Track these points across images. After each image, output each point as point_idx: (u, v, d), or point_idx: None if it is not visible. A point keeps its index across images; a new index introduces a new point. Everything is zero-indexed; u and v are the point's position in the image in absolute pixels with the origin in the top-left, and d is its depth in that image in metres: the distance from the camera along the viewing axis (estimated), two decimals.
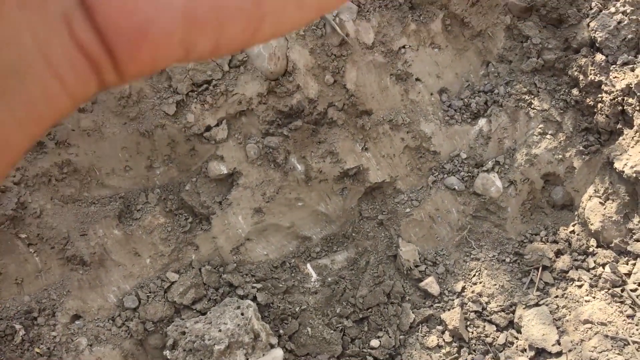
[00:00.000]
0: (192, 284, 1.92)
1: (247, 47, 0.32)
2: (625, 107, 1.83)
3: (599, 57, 1.87)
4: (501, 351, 1.85)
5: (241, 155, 1.97)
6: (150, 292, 1.89)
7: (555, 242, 1.97)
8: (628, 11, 1.82)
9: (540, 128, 2.01)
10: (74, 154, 1.86)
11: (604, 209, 1.88)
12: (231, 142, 1.96)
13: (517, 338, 1.86)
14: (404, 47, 2.04)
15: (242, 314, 1.78)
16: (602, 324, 1.76)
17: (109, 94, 1.87)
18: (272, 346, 1.83)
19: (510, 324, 1.89)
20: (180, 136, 1.92)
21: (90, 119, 1.85)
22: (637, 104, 1.78)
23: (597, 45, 1.88)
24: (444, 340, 1.89)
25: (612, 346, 1.72)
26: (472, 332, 1.89)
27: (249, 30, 0.31)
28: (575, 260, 1.91)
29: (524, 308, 1.86)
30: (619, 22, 1.84)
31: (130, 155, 1.93)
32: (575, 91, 1.97)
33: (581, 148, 1.98)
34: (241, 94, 1.92)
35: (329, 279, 2.04)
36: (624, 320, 1.76)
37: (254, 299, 1.94)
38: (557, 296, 1.87)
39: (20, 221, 1.79)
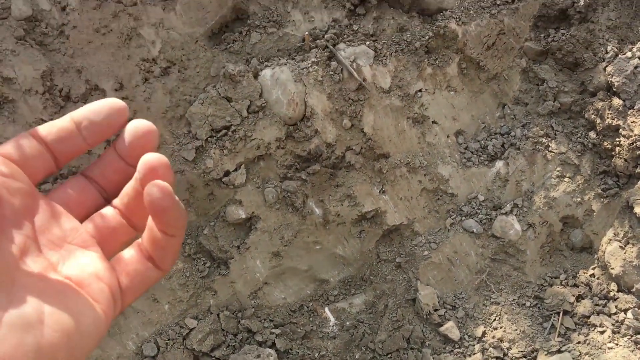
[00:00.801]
0: (210, 330, 1.91)
1: None
2: None
3: (616, 101, 1.87)
4: None
5: (259, 199, 1.97)
6: (169, 339, 1.88)
7: (576, 285, 1.96)
8: None
9: (558, 171, 2.01)
10: None
11: (624, 253, 1.87)
12: (249, 187, 1.97)
13: None
14: (420, 90, 2.05)
15: None
16: None
17: None
18: None
19: None
20: (199, 181, 1.93)
21: None
22: None
23: (614, 89, 1.89)
24: None
25: None
26: None
27: None
28: (597, 305, 1.90)
29: (546, 354, 1.84)
30: (636, 67, 1.85)
31: None
32: (592, 134, 1.97)
33: (599, 191, 1.98)
34: (260, 139, 1.92)
35: (348, 323, 2.03)
36: None
37: (273, 344, 1.93)
38: (579, 342, 1.85)
39: None
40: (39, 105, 1.76)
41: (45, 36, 1.78)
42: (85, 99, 1.81)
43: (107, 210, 0.48)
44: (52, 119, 1.77)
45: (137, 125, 0.47)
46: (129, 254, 0.46)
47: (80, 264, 0.43)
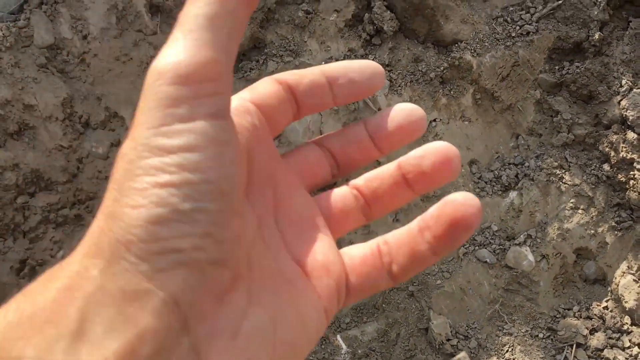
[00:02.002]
0: None
1: None
2: None
3: (631, 135, 1.88)
4: None
5: None
6: None
7: (589, 318, 1.96)
8: None
9: (571, 202, 2.02)
10: None
11: (638, 286, 1.87)
12: None
13: None
14: (434, 120, 2.06)
15: None
16: None
17: None
18: None
19: None
20: None
21: None
22: None
23: (629, 123, 1.90)
24: None
25: None
26: None
27: None
28: (610, 338, 1.89)
29: None
30: None
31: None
32: (606, 167, 1.98)
33: (613, 224, 1.98)
34: None
35: (359, 351, 2.03)
36: None
37: None
38: None
39: None
40: (59, 132, 1.78)
41: (66, 64, 1.81)
42: (104, 126, 1.84)
43: (342, 190, 0.43)
44: (71, 146, 1.80)
45: (410, 109, 0.43)
46: (361, 252, 0.40)
47: (313, 249, 0.39)
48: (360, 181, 0.44)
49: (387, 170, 0.43)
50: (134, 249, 0.28)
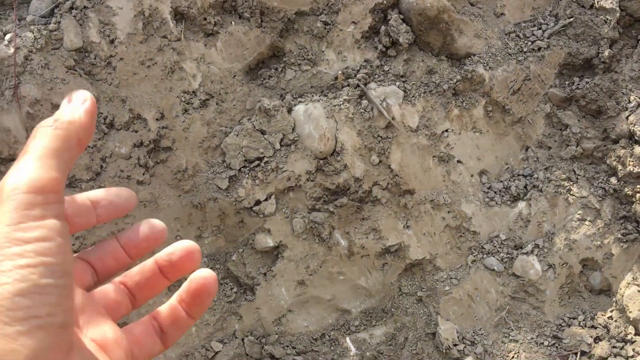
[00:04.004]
0: (235, 354, 1.96)
1: None
2: None
3: (638, 149, 1.94)
4: None
5: (287, 229, 2.04)
6: None
7: (594, 327, 2.00)
8: None
9: (579, 214, 2.07)
10: (130, 223, 1.93)
11: None
12: (278, 216, 2.04)
13: None
14: (446, 130, 2.12)
15: None
16: None
17: (167, 167, 1.97)
18: None
19: None
20: (231, 209, 2.00)
21: (147, 191, 1.94)
22: None
23: (636, 138, 1.96)
24: None
25: None
26: None
27: None
28: (614, 347, 1.93)
29: None
30: None
31: (182, 225, 2.01)
32: (613, 180, 2.03)
33: (619, 236, 2.03)
34: (290, 171, 2.00)
35: (368, 354, 2.07)
36: None
37: None
38: None
39: None
40: None
41: (93, 66, 1.88)
42: (127, 127, 1.90)
43: (109, 287, 0.56)
44: (95, 145, 1.86)
45: (153, 223, 0.57)
46: (138, 328, 0.55)
47: (102, 329, 0.50)
48: (122, 277, 0.57)
49: (146, 265, 0.57)
50: (2, 316, 0.38)
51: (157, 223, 0.57)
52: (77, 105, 0.47)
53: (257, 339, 2.03)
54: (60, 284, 0.41)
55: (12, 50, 1.76)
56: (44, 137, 0.45)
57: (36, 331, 0.39)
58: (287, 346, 2.04)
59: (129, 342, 0.52)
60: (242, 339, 2.01)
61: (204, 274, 0.55)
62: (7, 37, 1.79)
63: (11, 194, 0.41)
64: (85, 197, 0.54)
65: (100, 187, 1.87)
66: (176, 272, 0.56)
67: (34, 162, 0.43)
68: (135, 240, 0.56)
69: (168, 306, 0.56)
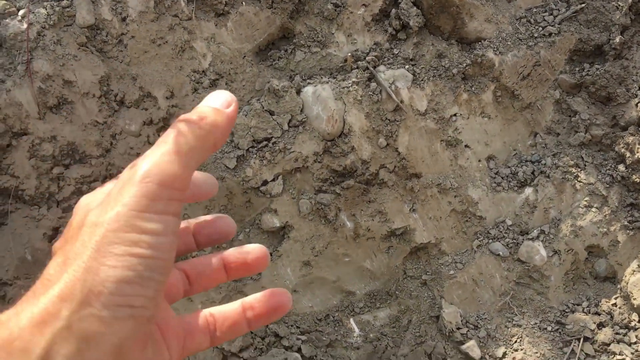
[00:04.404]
0: None
1: None
2: None
3: None
4: None
5: (294, 209, 2.06)
6: None
7: (597, 313, 2.00)
8: None
9: (585, 201, 2.07)
10: None
11: None
12: (285, 197, 2.05)
13: None
14: (455, 115, 2.12)
15: None
16: None
17: None
18: None
19: None
20: (238, 189, 2.02)
21: None
22: None
23: None
24: None
25: None
26: None
27: None
28: (617, 333, 1.94)
29: None
30: None
31: (189, 204, 2.03)
32: (621, 167, 2.03)
33: (626, 223, 2.02)
34: (298, 152, 2.01)
35: (371, 335, 2.09)
36: None
37: (299, 350, 2.00)
38: None
39: None
40: (95, 108, 1.87)
41: (105, 44, 1.89)
42: (138, 105, 1.92)
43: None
44: (106, 122, 1.88)
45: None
46: (194, 320, 0.56)
47: (165, 314, 0.53)
48: (184, 264, 0.58)
49: (212, 258, 0.58)
50: (103, 298, 0.39)
51: (231, 221, 0.58)
52: (222, 107, 0.48)
53: None
54: (160, 280, 0.42)
55: (25, 25, 1.78)
56: (187, 133, 0.45)
57: (128, 320, 0.40)
58: (292, 326, 2.06)
59: (184, 332, 0.54)
60: None
61: (284, 293, 0.57)
62: (21, 12, 1.81)
63: (142, 180, 0.42)
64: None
65: (109, 164, 1.90)
66: (242, 272, 0.57)
67: (170, 156, 0.43)
68: (209, 231, 0.57)
69: (231, 310, 0.57)
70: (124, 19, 1.90)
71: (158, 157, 0.43)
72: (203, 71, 1.98)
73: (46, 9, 1.82)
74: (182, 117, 0.47)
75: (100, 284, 0.39)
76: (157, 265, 0.42)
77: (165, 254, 0.42)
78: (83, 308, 0.39)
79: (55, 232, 1.84)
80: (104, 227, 0.41)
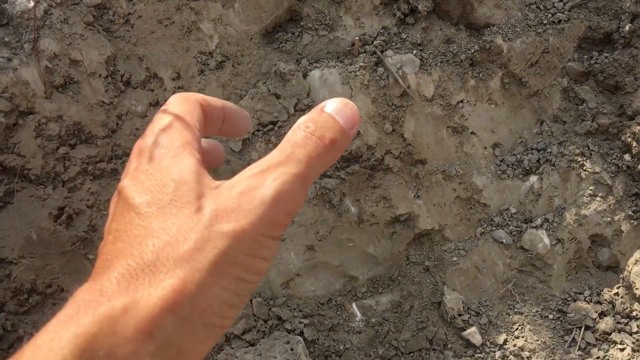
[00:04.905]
0: (243, 314, 2.00)
1: None
2: None
3: None
4: None
5: None
6: None
7: (599, 302, 2.01)
8: None
9: (590, 190, 2.07)
10: None
11: None
12: None
13: None
14: (462, 101, 2.11)
15: (292, 349, 1.85)
16: None
17: None
18: None
19: None
20: None
21: None
22: None
23: None
24: None
25: None
26: None
27: None
28: (619, 323, 1.94)
29: None
30: None
31: None
32: (627, 157, 2.02)
33: (630, 213, 2.02)
34: None
35: (373, 320, 2.10)
36: None
37: (301, 333, 2.01)
38: (598, 357, 1.90)
39: (90, 243, 1.90)
40: (101, 88, 1.86)
41: (112, 23, 1.88)
42: (144, 86, 1.91)
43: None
44: (112, 102, 1.88)
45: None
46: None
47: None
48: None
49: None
50: (205, 318, 0.38)
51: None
52: (348, 127, 0.44)
53: (265, 301, 2.06)
54: (242, 304, 0.41)
55: (32, 3, 1.77)
56: (318, 157, 0.42)
57: (216, 338, 0.40)
58: (294, 309, 2.07)
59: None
60: (251, 300, 2.04)
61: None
62: None
63: (274, 203, 0.40)
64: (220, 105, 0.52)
65: (115, 144, 1.90)
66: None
67: (301, 182, 0.41)
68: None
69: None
70: None
71: (291, 180, 0.40)
72: (210, 53, 1.97)
73: None
74: (305, 128, 0.43)
75: (207, 302, 0.37)
76: (255, 288, 0.41)
77: (260, 279, 0.41)
78: (185, 323, 0.37)
79: (60, 212, 1.85)
80: (225, 241, 0.38)
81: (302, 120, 0.44)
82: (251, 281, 0.39)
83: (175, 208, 0.40)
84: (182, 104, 0.47)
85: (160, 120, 0.46)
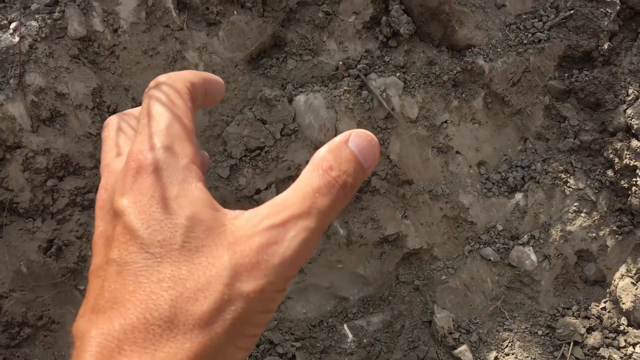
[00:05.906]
0: None
1: None
2: None
3: (635, 143, 1.95)
4: None
5: None
6: None
7: (587, 317, 2.03)
8: None
9: (575, 206, 2.09)
10: None
11: (636, 289, 1.94)
12: None
13: None
14: (446, 121, 2.14)
15: None
16: None
17: None
18: None
19: None
20: (232, 197, 2.03)
21: None
22: None
23: (633, 131, 1.97)
24: None
25: None
26: None
27: None
28: (607, 337, 1.97)
29: None
30: None
31: None
32: (610, 172, 2.05)
33: (615, 228, 2.05)
34: (291, 161, 2.03)
35: (365, 341, 2.11)
36: None
37: (293, 357, 2.02)
38: None
39: (80, 274, 1.91)
40: (88, 120, 1.88)
41: (97, 55, 1.90)
42: None
43: None
44: (99, 134, 1.89)
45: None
46: None
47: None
48: None
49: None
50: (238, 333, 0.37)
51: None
52: (366, 164, 0.41)
53: None
54: (248, 354, 0.42)
55: (17, 39, 1.78)
56: (335, 204, 0.40)
57: None
58: (286, 332, 2.08)
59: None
60: None
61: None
62: (12, 25, 1.81)
63: (291, 263, 0.38)
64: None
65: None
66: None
67: (316, 235, 0.39)
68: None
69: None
70: (115, 30, 1.91)
71: (311, 237, 0.39)
72: None
73: (38, 22, 1.83)
74: (337, 170, 0.40)
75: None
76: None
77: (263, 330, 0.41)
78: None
79: (50, 244, 1.86)
80: (244, 303, 0.37)
81: (324, 156, 0.41)
82: (259, 334, 0.39)
83: (190, 252, 0.37)
84: (176, 99, 0.44)
85: (157, 123, 0.42)
